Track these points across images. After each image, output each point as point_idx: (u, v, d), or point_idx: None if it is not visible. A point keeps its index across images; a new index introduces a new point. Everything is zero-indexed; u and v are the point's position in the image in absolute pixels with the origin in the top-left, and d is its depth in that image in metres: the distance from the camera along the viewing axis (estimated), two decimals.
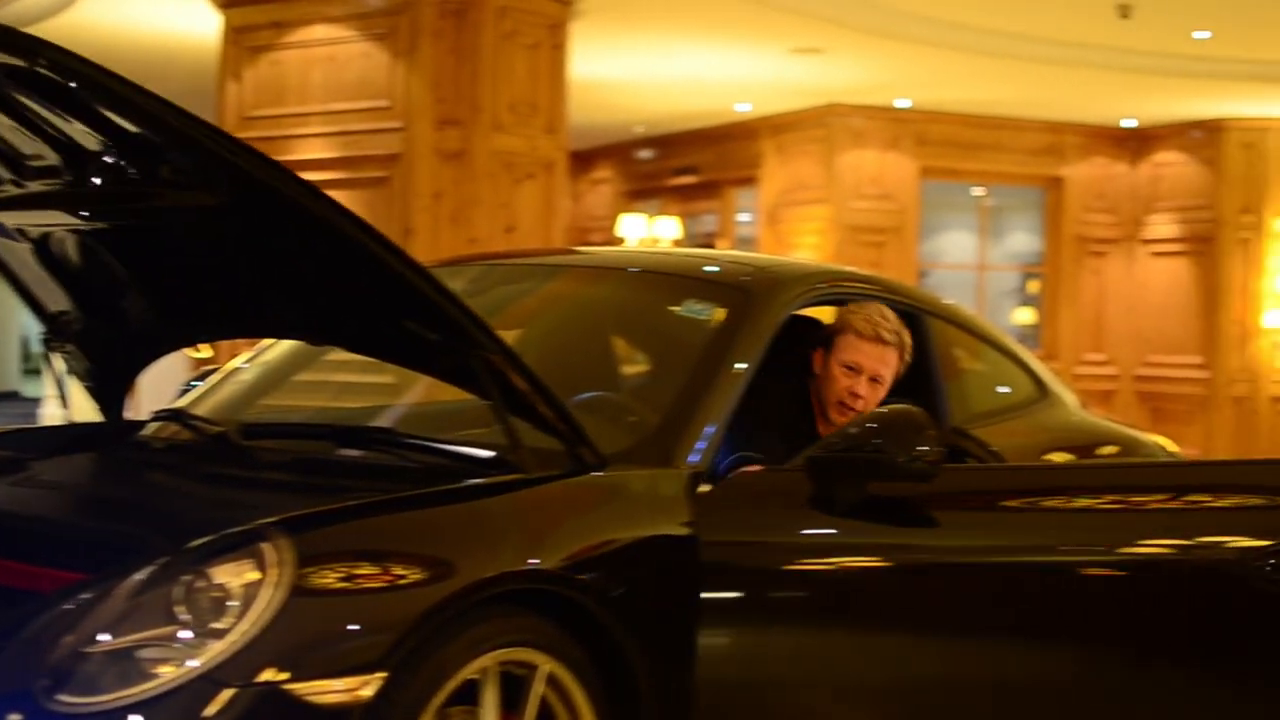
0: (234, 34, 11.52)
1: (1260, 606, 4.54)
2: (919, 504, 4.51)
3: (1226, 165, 17.13)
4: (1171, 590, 4.58)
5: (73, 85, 3.69)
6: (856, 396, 5.07)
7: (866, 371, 5.08)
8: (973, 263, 19.10)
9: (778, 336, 4.81)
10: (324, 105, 10.93)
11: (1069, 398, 6.22)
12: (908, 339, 5.16)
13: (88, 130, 3.90)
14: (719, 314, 4.88)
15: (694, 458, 4.34)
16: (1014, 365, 6.02)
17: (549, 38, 10.95)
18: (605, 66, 14.50)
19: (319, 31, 11.14)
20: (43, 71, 3.64)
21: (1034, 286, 19.08)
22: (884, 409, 4.48)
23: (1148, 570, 4.57)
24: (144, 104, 3.66)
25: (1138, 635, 4.59)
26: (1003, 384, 5.98)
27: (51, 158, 4.10)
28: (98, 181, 4.08)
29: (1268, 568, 4.46)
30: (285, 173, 3.80)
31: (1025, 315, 19.32)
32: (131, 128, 3.80)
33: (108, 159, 4.01)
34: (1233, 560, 4.55)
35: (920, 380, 5.40)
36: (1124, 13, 12.46)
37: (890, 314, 5.16)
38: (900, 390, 5.42)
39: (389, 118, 10.62)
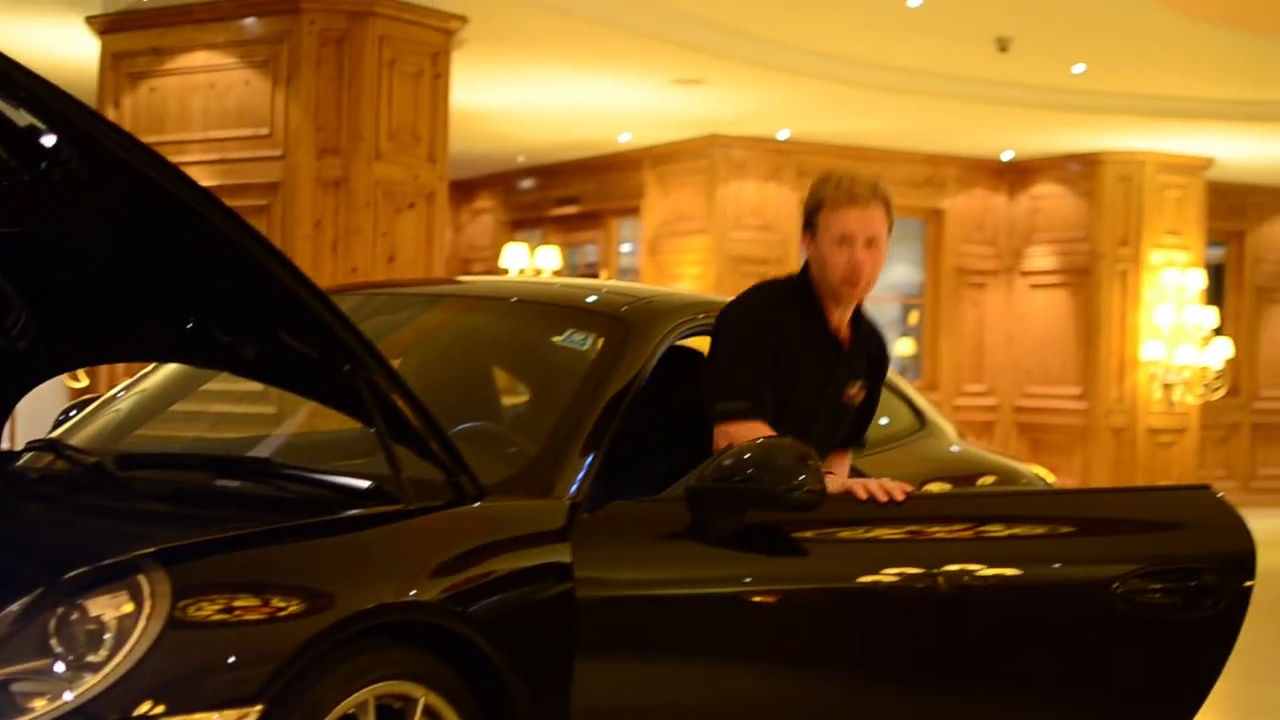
0: (113, 60, 11.43)
1: (1111, 628, 4.83)
2: (793, 533, 4.58)
3: (1103, 198, 17.31)
4: (1028, 614, 4.83)
5: None
6: (858, 266, 4.87)
7: (859, 237, 4.87)
8: None
9: (659, 367, 4.82)
10: (204, 133, 10.86)
11: (948, 429, 6.28)
12: (887, 192, 5.00)
13: None
14: (598, 344, 4.89)
15: (573, 488, 4.34)
16: (893, 396, 6.06)
17: (430, 66, 10.93)
18: (487, 96, 14.50)
19: (199, 58, 11.07)
20: None
21: (914, 318, 19.21)
22: (760, 440, 4.47)
23: (1006, 594, 4.78)
24: (47, 95, 3.60)
25: (1002, 656, 4.84)
26: (882, 415, 6.01)
27: None
28: None
29: (1118, 589, 4.79)
30: (179, 174, 3.76)
31: (905, 346, 19.45)
32: (31, 121, 3.74)
33: (1, 160, 3.95)
34: (1084, 584, 4.87)
35: None
36: (1002, 46, 12.60)
37: (861, 173, 5.00)
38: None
39: (269, 146, 10.56)
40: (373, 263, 10.43)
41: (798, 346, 4.91)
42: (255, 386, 5.18)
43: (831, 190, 4.92)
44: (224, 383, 5.23)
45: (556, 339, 5.12)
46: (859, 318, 5.08)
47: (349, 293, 5.74)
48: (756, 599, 4.57)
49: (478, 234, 20.83)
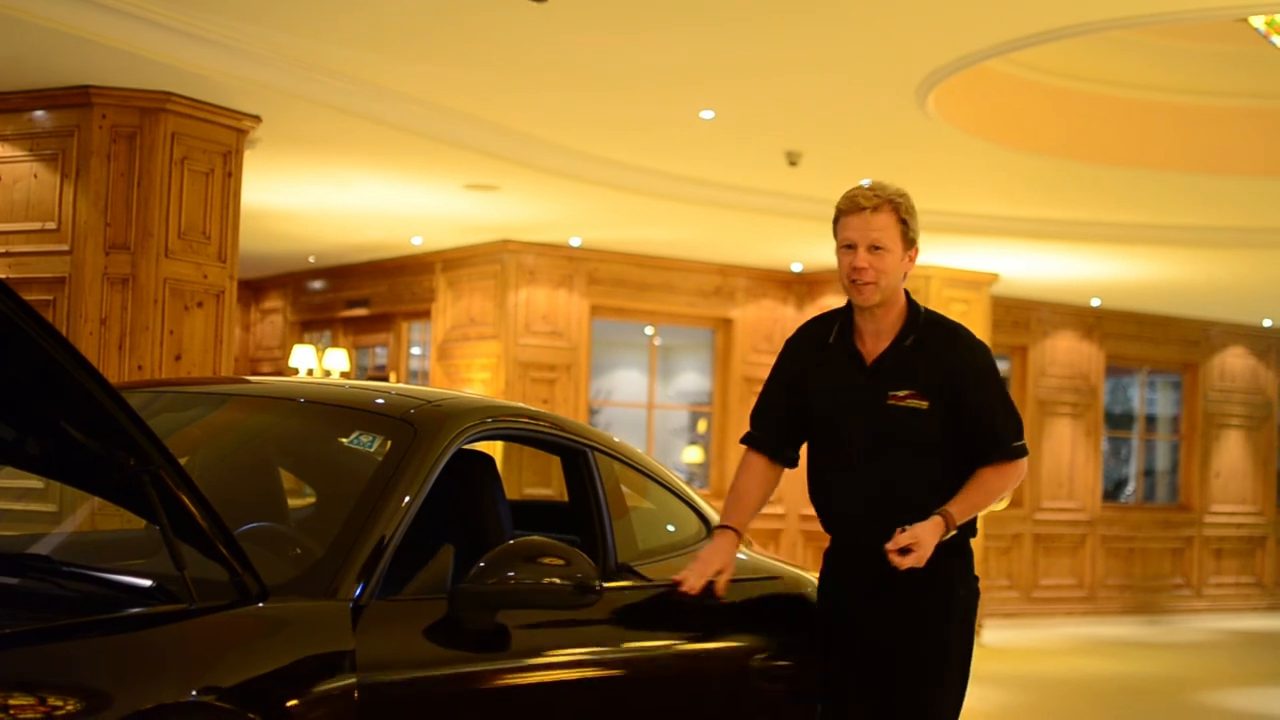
0: None
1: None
2: (549, 626, 4.81)
3: None
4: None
5: None
6: (859, 270, 5.37)
7: (861, 243, 5.38)
8: (643, 401, 19.29)
9: (447, 470, 4.83)
10: None
11: None
12: (901, 196, 5.45)
13: None
14: (386, 446, 4.88)
15: (357, 590, 4.33)
16: (681, 503, 6.10)
17: (222, 165, 10.87)
18: (279, 195, 14.44)
19: None
20: None
21: (703, 425, 19.34)
22: (516, 541, 4.65)
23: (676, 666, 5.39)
24: None
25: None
26: (670, 522, 6.05)
27: None
28: None
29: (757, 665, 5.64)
30: None
31: (694, 454, 19.56)
32: None
33: None
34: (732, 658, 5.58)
35: (588, 517, 5.47)
36: (792, 160, 12.77)
37: (881, 181, 5.48)
38: (566, 526, 5.50)
39: (56, 240, 10.43)
40: (160, 361, 10.31)
41: (812, 361, 5.59)
42: (36, 484, 5.11)
43: (841, 201, 5.47)
44: (2, 479, 5.15)
45: (344, 440, 5.11)
46: (927, 326, 5.52)
47: (135, 390, 5.68)
48: (507, 688, 4.72)
49: (267, 334, 20.70)
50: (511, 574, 4.53)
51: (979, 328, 17.77)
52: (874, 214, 5.37)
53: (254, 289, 20.38)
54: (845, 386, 5.49)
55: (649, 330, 19.22)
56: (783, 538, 18.13)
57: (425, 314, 18.20)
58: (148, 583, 4.15)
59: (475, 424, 5.09)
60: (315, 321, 20.25)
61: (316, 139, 12.28)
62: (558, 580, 4.58)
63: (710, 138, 12.42)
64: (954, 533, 5.31)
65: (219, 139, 10.83)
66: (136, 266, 10.31)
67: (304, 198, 14.76)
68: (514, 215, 15.43)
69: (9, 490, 5.31)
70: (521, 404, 5.94)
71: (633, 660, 5.22)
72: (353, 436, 5.05)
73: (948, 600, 5.45)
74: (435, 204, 15.00)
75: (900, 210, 5.41)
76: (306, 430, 5.39)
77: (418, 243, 17.34)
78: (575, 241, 16.68)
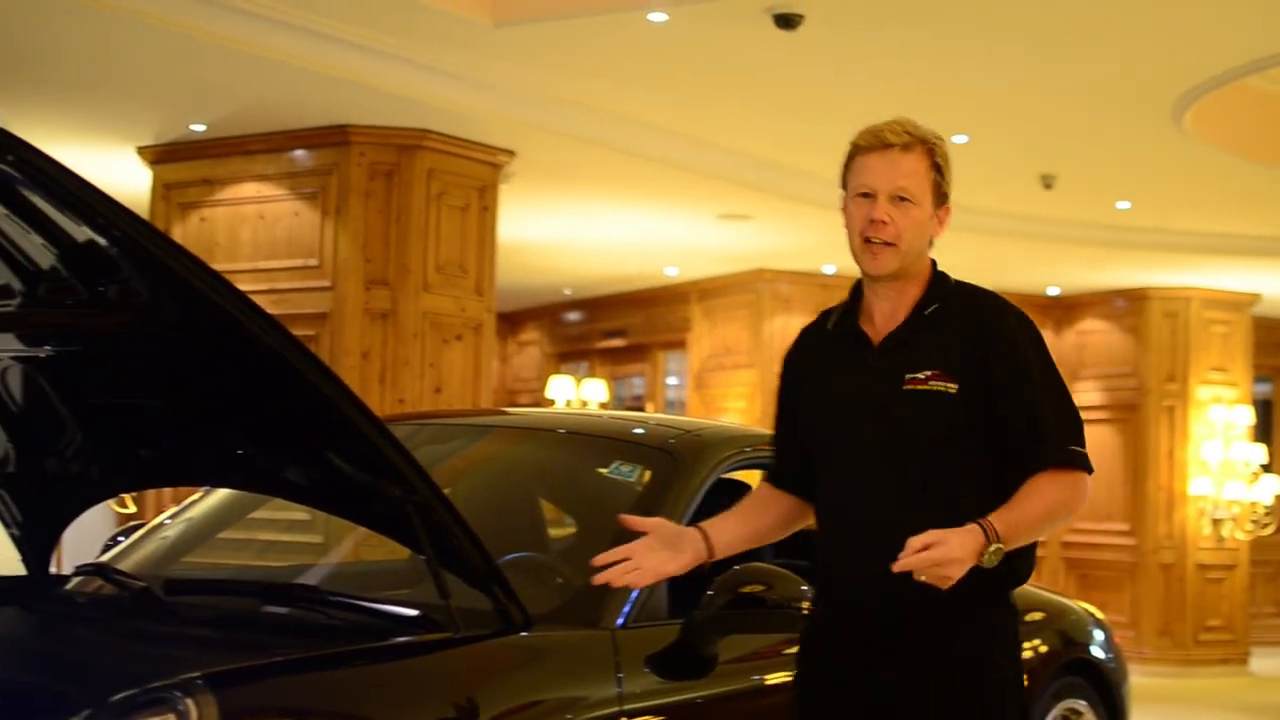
0: (164, 190, 11.55)
1: None
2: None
3: (1150, 333, 17.27)
4: None
5: (36, 185, 3.63)
6: (878, 224, 4.08)
7: (883, 189, 4.07)
8: None
9: (705, 500, 4.83)
10: (253, 263, 10.94)
11: None
12: (938, 140, 4.22)
13: (44, 244, 3.88)
14: (646, 476, 4.90)
15: (619, 619, 4.34)
16: None
17: (478, 200, 11.01)
18: (534, 229, 14.57)
19: (249, 189, 11.17)
20: (8, 170, 3.58)
21: None
22: (743, 566, 4.54)
23: None
24: (107, 210, 3.63)
25: None
26: None
27: (4, 276, 4.08)
28: (47, 302, 4.06)
29: None
30: (240, 296, 3.80)
31: None
32: (91, 238, 3.77)
33: (59, 277, 3.99)
34: None
35: None
36: (1047, 183, 12.63)
37: (906, 118, 4.25)
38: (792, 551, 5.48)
39: (318, 276, 10.63)
40: (420, 394, 10.46)
41: (808, 362, 4.28)
42: (302, 515, 5.20)
43: (860, 135, 4.20)
44: (271, 511, 5.25)
45: (604, 470, 5.14)
46: (956, 294, 4.23)
47: (398, 423, 5.77)
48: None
49: (524, 366, 20.89)
50: (741, 599, 4.47)
51: (1239, 350, 17.42)
52: (903, 154, 4.10)
53: (511, 321, 20.58)
54: (846, 378, 4.13)
55: None
56: (1043, 566, 17.90)
57: (681, 344, 18.24)
58: (413, 612, 4.20)
59: (734, 453, 5.09)
60: (572, 353, 20.39)
61: (570, 172, 12.37)
62: (789, 605, 4.51)
63: (963, 162, 12.24)
64: (994, 557, 3.81)
65: (475, 174, 10.97)
66: (396, 301, 10.47)
67: (558, 230, 14.88)
68: (768, 244, 15.42)
69: (278, 522, 5.42)
70: None
71: None
72: (612, 466, 5.07)
73: (979, 676, 4.02)
74: (689, 234, 15.04)
75: (936, 154, 4.17)
76: (566, 461, 5.43)
77: (672, 273, 17.39)
78: (829, 269, 16.62)
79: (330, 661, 3.86)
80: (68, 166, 3.60)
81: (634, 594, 4.43)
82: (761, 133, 11.65)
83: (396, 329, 10.45)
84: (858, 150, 4.16)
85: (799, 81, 10.15)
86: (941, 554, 3.70)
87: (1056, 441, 3.99)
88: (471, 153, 10.92)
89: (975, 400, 3.99)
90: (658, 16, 8.75)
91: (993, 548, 3.79)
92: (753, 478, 5.20)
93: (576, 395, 18.44)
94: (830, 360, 4.20)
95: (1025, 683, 4.95)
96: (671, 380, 19.16)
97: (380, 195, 10.59)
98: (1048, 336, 18.09)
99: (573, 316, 20.15)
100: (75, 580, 4.87)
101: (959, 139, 11.39)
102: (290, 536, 5.63)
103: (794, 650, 4.76)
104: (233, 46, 9.12)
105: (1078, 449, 4.01)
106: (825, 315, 4.33)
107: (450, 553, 4.10)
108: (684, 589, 4.62)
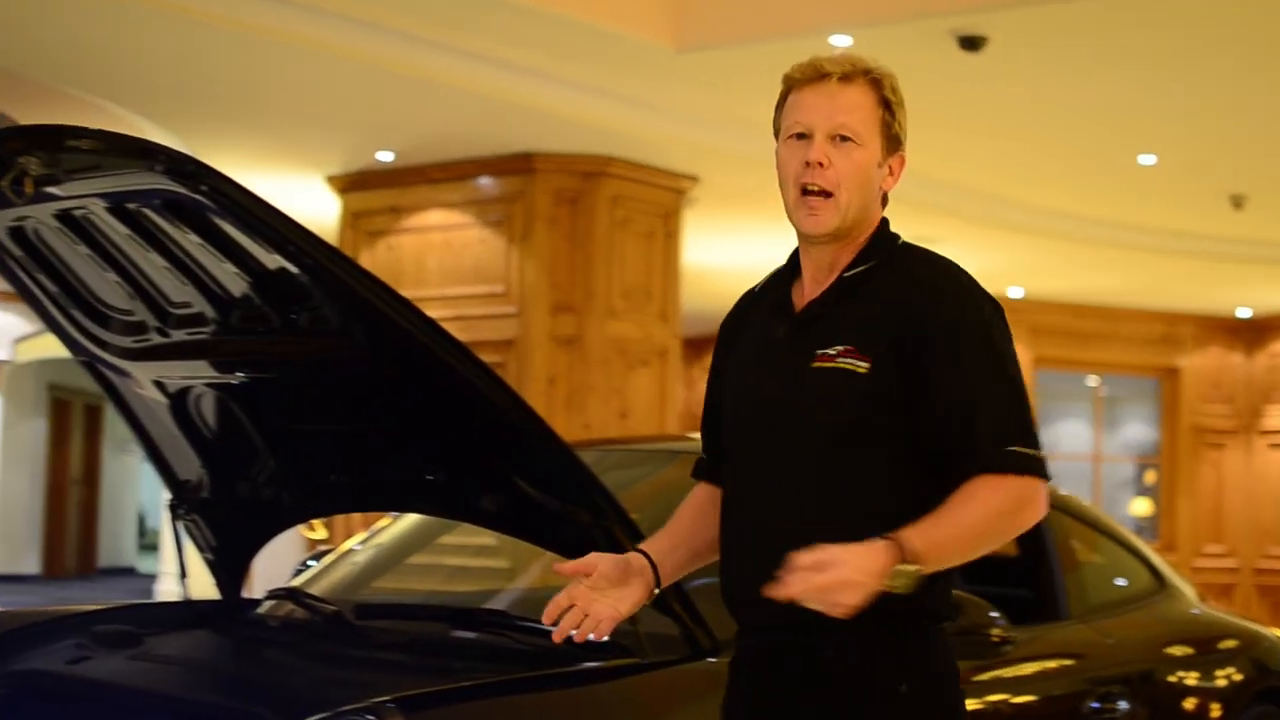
0: (352, 218, 11.70)
1: None
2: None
3: None
4: None
5: (230, 214, 3.70)
6: (814, 168, 3.36)
7: (819, 128, 3.36)
8: (1088, 453, 18.97)
9: None
10: (440, 290, 11.05)
11: (1188, 590, 6.16)
12: (887, 75, 3.46)
13: (237, 272, 3.95)
14: None
15: None
16: (1131, 557, 5.97)
17: (662, 225, 11.05)
18: (718, 253, 14.59)
19: (435, 217, 11.29)
20: (202, 200, 3.66)
21: (1151, 477, 18.92)
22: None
23: None
24: (298, 238, 3.70)
25: None
26: (1120, 576, 5.93)
27: (199, 304, 4.15)
28: (240, 330, 4.13)
29: None
30: (431, 323, 3.83)
31: (1142, 506, 19.13)
32: (283, 266, 3.84)
33: (251, 305, 4.06)
34: None
35: (1038, 571, 5.40)
36: (1237, 203, 12.45)
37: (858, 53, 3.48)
38: (1015, 580, 5.41)
39: (504, 303, 10.72)
40: (606, 419, 10.50)
41: (739, 326, 3.59)
42: (490, 541, 5.22)
43: (795, 68, 3.48)
44: (459, 536, 5.29)
45: None
46: (895, 256, 3.44)
47: (584, 448, 5.78)
48: None
49: None
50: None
51: None
52: (843, 86, 3.37)
53: (695, 347, 20.59)
54: (758, 354, 3.43)
55: (1092, 381, 18.89)
56: (1236, 593, 17.61)
57: None
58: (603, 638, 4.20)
59: None
60: None
61: (753, 196, 12.36)
62: (977, 632, 4.47)
63: (1151, 183, 12.18)
64: (907, 580, 3.00)
65: (658, 200, 11.01)
66: (582, 327, 10.52)
67: (742, 254, 14.88)
68: None
69: (466, 547, 5.45)
70: None
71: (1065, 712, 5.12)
72: None
73: None
74: None
75: (884, 87, 3.42)
76: None
77: None
78: (1015, 293, 16.49)
79: (519, 686, 3.87)
80: (260, 195, 3.66)
81: None
82: (946, 155, 11.59)
83: (582, 355, 10.51)
84: (791, 85, 3.45)
85: (984, 103, 10.09)
86: (833, 578, 2.92)
87: (994, 441, 3.17)
88: (655, 179, 10.97)
89: (895, 385, 3.20)
90: (841, 39, 8.74)
91: (905, 568, 2.98)
92: None
93: None
94: (750, 333, 3.50)
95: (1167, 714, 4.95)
96: None
97: (565, 222, 10.65)
98: (1236, 359, 17.81)
99: None
100: (267, 604, 4.93)
101: (1147, 159, 11.26)
102: (478, 562, 5.66)
103: (984, 677, 4.73)
104: (419, 76, 9.22)
105: (1022, 450, 3.18)
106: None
107: None
108: None
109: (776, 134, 3.47)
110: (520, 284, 10.67)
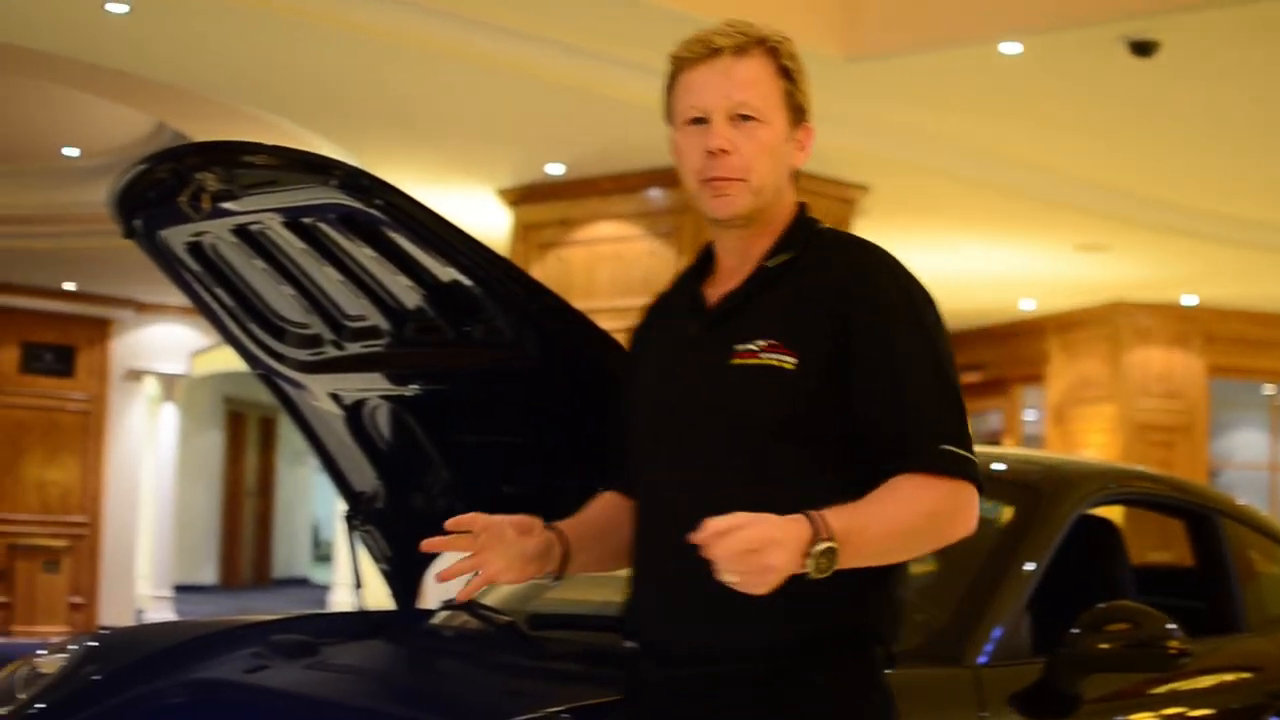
0: (523, 230, 11.78)
1: None
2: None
3: None
4: None
5: (403, 227, 3.74)
6: (717, 156, 3.05)
7: (717, 110, 3.05)
8: (1264, 462, 18.70)
9: (1066, 536, 4.76)
10: (610, 301, 11.09)
11: None
12: (781, 40, 3.13)
13: (411, 285, 3.99)
14: (1006, 513, 4.84)
15: (981, 657, 4.29)
16: None
17: None
18: None
19: (605, 229, 11.34)
20: (377, 213, 3.70)
21: None
22: (1109, 605, 4.40)
23: None
24: (471, 251, 3.74)
25: None
26: None
27: (373, 317, 4.21)
28: (413, 342, 4.18)
29: None
30: (607, 337, 3.85)
31: None
32: (456, 278, 3.87)
33: (425, 317, 4.10)
34: None
35: (1215, 582, 5.33)
36: None
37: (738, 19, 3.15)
38: (1191, 592, 5.34)
39: None
40: None
41: (649, 327, 3.36)
42: None
43: (681, 46, 3.14)
44: None
45: None
46: (817, 242, 3.18)
47: None
48: None
49: None
50: (1109, 636, 4.32)
51: None
52: (737, 59, 3.06)
53: None
54: (668, 354, 3.19)
55: (1269, 389, 18.61)
56: None
57: (1038, 378, 18.03)
58: None
59: (1097, 489, 5.00)
60: None
61: (924, 206, 12.34)
62: (1155, 644, 4.35)
63: None
64: (825, 560, 2.75)
65: (829, 211, 10.99)
66: None
67: (914, 264, 14.82)
68: (1125, 275, 15.19)
69: None
70: (1142, 467, 5.82)
71: None
72: None
73: None
74: (1045, 266, 14.89)
75: (780, 55, 3.11)
76: None
77: (1028, 306, 17.22)
78: (1189, 300, 16.30)
79: None
80: (433, 209, 3.69)
81: (996, 632, 4.37)
82: (1118, 161, 11.49)
83: None
84: (680, 65, 3.11)
85: (1155, 108, 9.98)
86: (757, 534, 2.67)
87: (927, 437, 2.96)
88: (824, 189, 10.96)
89: (826, 382, 2.96)
90: (1011, 47, 8.69)
91: (822, 546, 2.73)
92: (1114, 514, 5.11)
93: None
94: (660, 332, 3.27)
95: None
96: (1029, 415, 18.94)
97: None
98: None
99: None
100: (442, 615, 4.97)
101: None
102: None
103: (1160, 690, 4.67)
104: (590, 90, 9.27)
105: (954, 450, 2.98)
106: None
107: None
108: (1044, 625, 4.55)
109: (668, 119, 3.15)
110: None
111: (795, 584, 2.74)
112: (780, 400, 2.94)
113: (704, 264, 3.24)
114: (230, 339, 4.66)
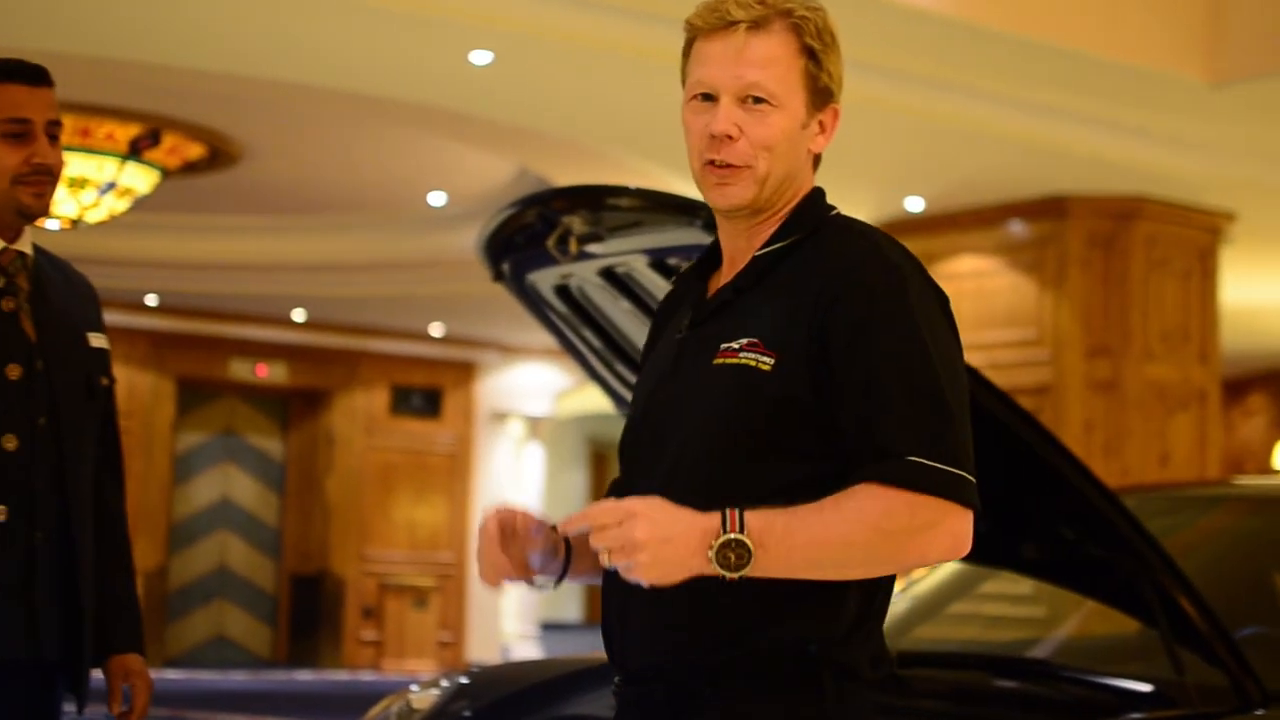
0: None
1: None
2: None
3: None
4: None
5: None
6: (721, 141, 2.71)
7: (726, 89, 2.71)
8: None
9: None
10: (973, 336, 10.99)
11: None
12: (812, 9, 2.72)
13: None
14: None
15: None
16: None
17: (1199, 265, 10.83)
18: (1256, 292, 14.21)
19: (966, 263, 11.27)
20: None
21: None
22: None
23: None
24: None
25: None
26: None
27: None
28: None
29: None
30: (970, 370, 3.82)
31: None
32: None
33: None
34: None
35: None
36: None
37: None
38: None
39: (1037, 348, 10.64)
40: (1144, 465, 10.33)
41: (661, 316, 3.02)
42: (1027, 589, 5.18)
43: (695, 13, 2.77)
44: (999, 585, 5.25)
45: None
46: (819, 231, 2.78)
47: (1123, 494, 5.68)
48: None
49: (1249, 435, 20.31)
50: None
51: None
52: (753, 34, 2.69)
53: (1234, 389, 20.08)
54: (664, 353, 2.87)
55: None
56: None
57: None
58: (1147, 688, 4.13)
59: None
60: None
61: None
62: None
63: None
64: (734, 556, 2.46)
65: (1194, 240, 10.83)
66: (1118, 371, 10.38)
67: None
68: None
69: (1005, 596, 5.42)
70: None
71: None
72: None
73: None
74: None
75: (805, 31, 2.72)
76: None
77: None
78: None
79: None
80: None
81: None
82: None
83: (1120, 399, 10.37)
84: (695, 33, 2.76)
85: None
86: (622, 509, 2.47)
87: (892, 447, 2.54)
88: (1190, 218, 10.81)
89: (805, 387, 2.62)
90: None
91: (725, 538, 2.45)
92: None
93: None
94: (664, 324, 2.96)
95: None
96: None
97: (1099, 264, 10.54)
98: None
99: None
100: None
101: None
102: (1016, 611, 5.62)
103: None
104: (949, 124, 9.24)
105: (922, 461, 2.53)
106: None
107: (1184, 627, 4.01)
108: None
109: (684, 86, 2.81)
110: (1054, 329, 10.59)
111: (728, 595, 2.51)
112: (755, 406, 2.61)
113: (713, 255, 2.91)
114: (597, 379, 4.73)
